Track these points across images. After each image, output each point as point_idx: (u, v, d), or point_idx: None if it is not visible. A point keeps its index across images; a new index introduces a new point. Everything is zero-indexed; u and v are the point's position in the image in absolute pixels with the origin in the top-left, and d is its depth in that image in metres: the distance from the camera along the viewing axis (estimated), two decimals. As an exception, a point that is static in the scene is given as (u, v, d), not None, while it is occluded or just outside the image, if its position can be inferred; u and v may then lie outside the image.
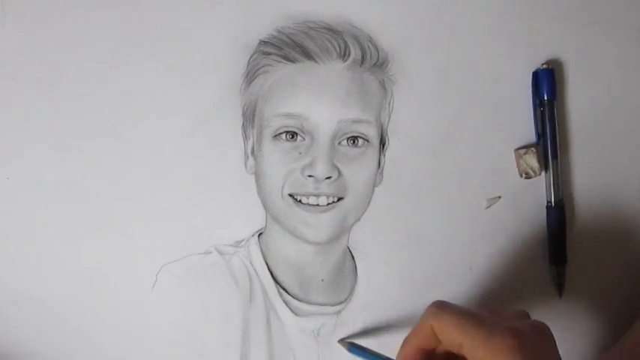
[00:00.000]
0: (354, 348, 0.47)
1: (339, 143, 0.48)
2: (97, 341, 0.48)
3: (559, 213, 0.50)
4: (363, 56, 0.48)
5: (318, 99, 0.47)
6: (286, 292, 0.49)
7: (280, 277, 0.49)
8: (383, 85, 0.49)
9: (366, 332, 0.49)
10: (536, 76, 0.50)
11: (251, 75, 0.48)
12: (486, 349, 0.37)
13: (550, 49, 0.50)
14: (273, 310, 0.49)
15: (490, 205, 0.50)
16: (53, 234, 0.48)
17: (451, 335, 0.38)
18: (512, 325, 0.38)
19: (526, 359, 0.36)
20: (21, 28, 0.48)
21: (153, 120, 0.48)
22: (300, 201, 0.47)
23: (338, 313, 0.49)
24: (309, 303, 0.49)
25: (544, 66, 0.49)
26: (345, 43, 0.48)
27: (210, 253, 0.48)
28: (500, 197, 0.50)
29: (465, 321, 0.38)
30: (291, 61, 0.48)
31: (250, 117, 0.48)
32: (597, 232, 0.51)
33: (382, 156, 0.49)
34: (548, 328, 0.39)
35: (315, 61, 0.47)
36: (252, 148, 0.48)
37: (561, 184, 0.50)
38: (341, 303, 0.50)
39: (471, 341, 0.37)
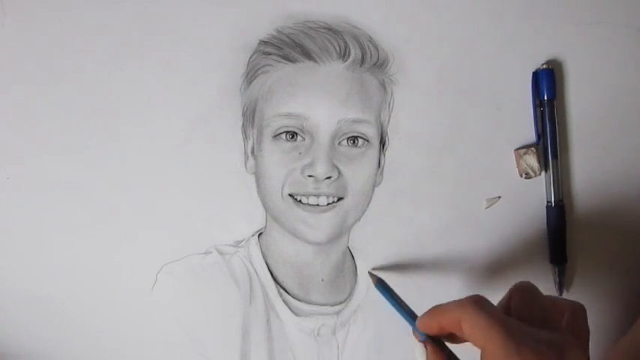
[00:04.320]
0: (380, 286, 0.46)
1: (339, 143, 0.48)
2: (97, 341, 0.48)
3: (559, 213, 0.50)
4: (363, 56, 0.48)
5: (318, 99, 0.47)
6: (286, 292, 0.49)
7: (280, 277, 0.49)
8: (383, 85, 0.49)
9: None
10: (536, 76, 0.50)
11: (251, 75, 0.48)
12: None
13: (550, 49, 0.50)
14: (273, 310, 0.49)
15: (490, 205, 0.50)
16: (53, 234, 0.48)
17: (477, 336, 0.37)
18: (538, 343, 0.36)
19: None
20: (21, 28, 0.48)
21: (153, 120, 0.48)
22: (300, 201, 0.47)
23: (338, 313, 0.49)
24: (309, 303, 0.49)
25: (544, 66, 0.49)
26: (345, 43, 0.48)
27: (210, 253, 0.48)
28: (500, 197, 0.50)
29: (494, 327, 0.36)
30: (291, 61, 0.48)
31: (250, 117, 0.48)
32: (597, 232, 0.51)
33: (382, 156, 0.49)
34: (576, 344, 0.37)
35: (315, 61, 0.47)
36: (252, 148, 0.48)
37: (561, 184, 0.50)
38: (341, 303, 0.50)
39: (492, 351, 0.36)
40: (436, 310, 0.40)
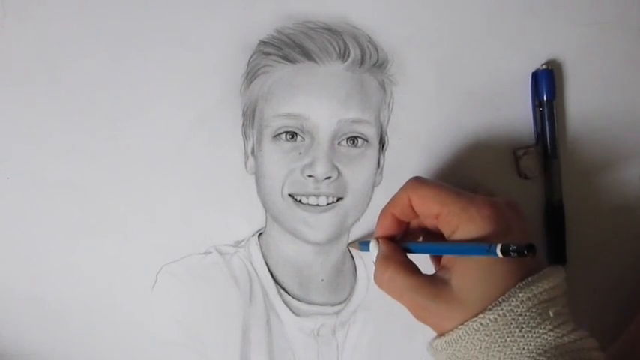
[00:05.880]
0: (364, 245, 0.46)
1: (339, 143, 0.48)
2: (96, 341, 0.48)
3: (559, 213, 0.50)
4: (363, 56, 0.48)
5: (318, 99, 0.47)
6: (286, 292, 0.49)
7: (280, 277, 0.49)
8: (382, 86, 0.49)
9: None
10: (536, 76, 0.50)
11: (251, 75, 0.48)
12: (462, 218, 0.39)
13: (550, 49, 0.50)
14: (273, 310, 0.49)
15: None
16: (53, 234, 0.48)
17: (428, 206, 0.40)
18: (488, 198, 0.40)
19: (499, 230, 0.38)
20: (21, 28, 0.48)
21: (153, 120, 0.48)
22: (300, 201, 0.48)
23: (338, 313, 0.49)
24: (309, 303, 0.49)
25: (544, 66, 0.49)
26: (345, 43, 0.48)
27: (210, 253, 0.49)
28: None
29: (443, 192, 0.40)
30: (291, 61, 0.48)
31: (250, 117, 0.49)
32: (597, 232, 0.51)
33: (382, 156, 0.49)
34: (522, 208, 0.41)
35: (315, 62, 0.47)
36: (252, 148, 0.49)
37: (561, 184, 0.50)
38: (341, 303, 0.50)
39: (448, 211, 0.39)
40: (385, 207, 0.44)
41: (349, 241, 0.50)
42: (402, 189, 0.42)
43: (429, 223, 0.43)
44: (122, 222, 0.48)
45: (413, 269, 0.41)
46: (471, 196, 0.40)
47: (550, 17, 0.50)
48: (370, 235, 0.47)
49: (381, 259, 0.42)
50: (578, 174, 0.51)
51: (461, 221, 0.39)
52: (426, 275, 0.40)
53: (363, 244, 0.47)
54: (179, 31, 0.48)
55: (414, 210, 0.42)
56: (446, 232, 0.40)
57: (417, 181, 0.42)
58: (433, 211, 0.40)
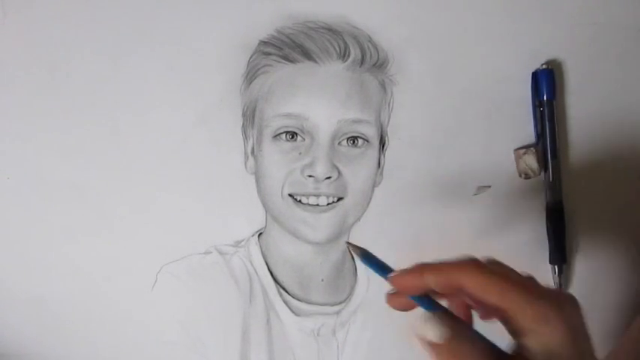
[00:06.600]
0: (366, 259, 0.38)
1: (339, 143, 0.48)
2: (96, 341, 0.48)
3: (559, 213, 0.50)
4: (363, 56, 0.48)
5: (318, 99, 0.47)
6: (286, 291, 0.49)
7: (280, 277, 0.49)
8: (383, 86, 0.49)
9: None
10: (536, 76, 0.50)
11: (251, 75, 0.48)
12: (532, 318, 0.31)
13: (550, 49, 0.50)
14: (273, 310, 0.49)
15: (479, 193, 0.50)
16: (53, 234, 0.48)
17: (492, 299, 0.32)
18: (554, 293, 0.34)
19: (570, 330, 0.32)
20: (21, 28, 0.48)
21: (153, 120, 0.48)
22: (300, 201, 0.48)
23: (338, 313, 0.49)
24: (309, 303, 0.49)
25: (544, 66, 0.49)
26: (345, 43, 0.48)
27: (210, 253, 0.49)
28: (490, 186, 0.50)
29: (510, 287, 0.32)
30: (291, 61, 0.48)
31: (250, 117, 0.49)
32: (596, 231, 0.51)
33: (382, 156, 0.49)
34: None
35: (315, 62, 0.47)
36: (252, 148, 0.49)
37: (561, 184, 0.50)
38: (341, 303, 0.50)
39: (517, 308, 0.32)
40: (426, 267, 0.35)
41: (355, 246, 0.42)
42: (457, 267, 0.34)
43: (488, 313, 0.35)
44: (122, 222, 0.48)
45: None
46: (537, 289, 0.33)
47: (550, 17, 0.50)
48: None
49: (450, 342, 0.32)
50: (578, 174, 0.51)
51: (532, 320, 0.32)
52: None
53: (366, 260, 0.38)
54: (179, 31, 0.48)
55: (459, 290, 0.33)
56: (510, 330, 0.32)
57: (476, 268, 0.34)
58: (498, 305, 0.32)
